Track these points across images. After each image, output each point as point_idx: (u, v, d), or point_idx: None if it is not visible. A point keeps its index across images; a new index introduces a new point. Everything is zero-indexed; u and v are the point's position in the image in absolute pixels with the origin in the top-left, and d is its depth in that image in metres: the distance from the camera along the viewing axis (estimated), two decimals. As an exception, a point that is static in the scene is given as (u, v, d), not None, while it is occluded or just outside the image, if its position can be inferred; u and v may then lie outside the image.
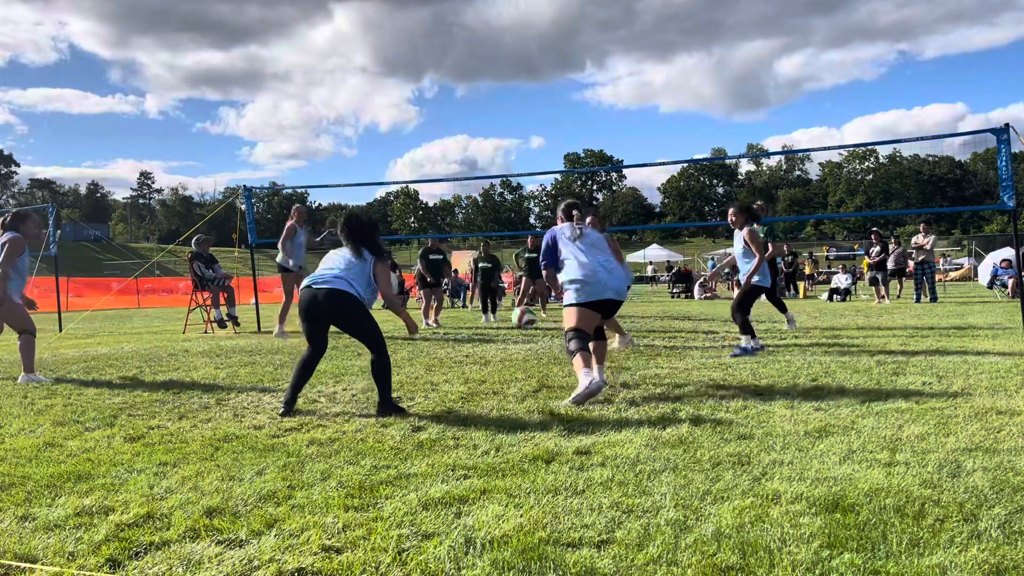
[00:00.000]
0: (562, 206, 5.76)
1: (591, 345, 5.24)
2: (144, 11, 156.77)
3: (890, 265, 16.96)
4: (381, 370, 4.67)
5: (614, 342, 8.17)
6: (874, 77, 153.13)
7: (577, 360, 5.01)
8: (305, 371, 4.79)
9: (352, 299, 4.70)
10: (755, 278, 7.58)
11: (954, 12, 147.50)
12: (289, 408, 4.70)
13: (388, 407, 4.63)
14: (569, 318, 5.30)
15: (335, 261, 4.88)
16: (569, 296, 5.38)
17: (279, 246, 10.79)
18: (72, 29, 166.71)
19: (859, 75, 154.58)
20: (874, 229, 18.79)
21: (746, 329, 7.37)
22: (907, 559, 2.20)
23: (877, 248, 16.84)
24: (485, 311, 14.11)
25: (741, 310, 7.48)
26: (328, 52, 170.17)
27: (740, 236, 7.74)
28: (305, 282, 4.81)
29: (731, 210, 7.91)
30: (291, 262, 10.68)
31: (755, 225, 7.80)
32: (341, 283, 4.70)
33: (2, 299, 6.38)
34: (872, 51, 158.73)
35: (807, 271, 27.93)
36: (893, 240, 17.84)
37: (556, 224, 5.71)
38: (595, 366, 5.17)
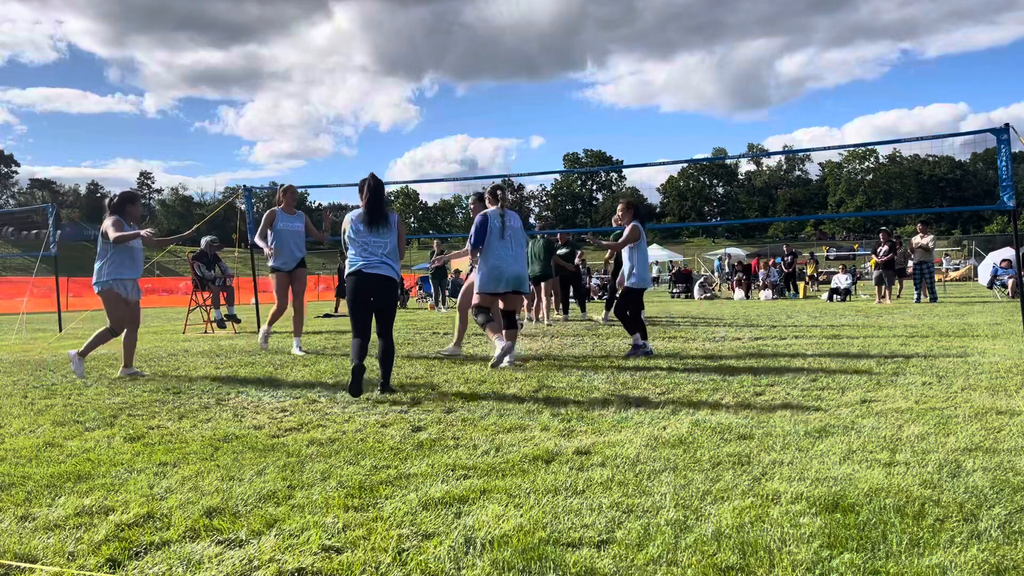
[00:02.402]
0: (489, 188, 6.97)
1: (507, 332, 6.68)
2: (141, 9, 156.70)
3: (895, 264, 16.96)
4: (387, 355, 5.45)
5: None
6: (876, 76, 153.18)
7: (489, 330, 6.60)
8: (363, 352, 5.32)
9: (396, 285, 5.64)
10: (629, 280, 7.39)
11: (957, 11, 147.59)
12: (359, 387, 5.17)
13: (388, 387, 5.35)
14: (476, 298, 6.78)
15: (376, 246, 5.57)
16: (479, 280, 6.71)
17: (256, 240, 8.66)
18: (69, 28, 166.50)
19: (861, 74, 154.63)
20: (883, 228, 18.77)
21: (633, 328, 7.30)
22: (907, 559, 2.20)
23: (885, 248, 16.80)
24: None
25: (621, 312, 7.37)
26: (328, 51, 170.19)
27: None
28: (356, 266, 5.50)
29: (620, 204, 7.75)
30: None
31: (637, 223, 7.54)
32: (388, 269, 5.55)
33: (147, 237, 6.37)
34: (874, 50, 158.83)
35: (809, 271, 27.94)
36: (895, 240, 17.83)
37: (488, 207, 6.87)
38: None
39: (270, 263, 8.36)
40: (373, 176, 5.70)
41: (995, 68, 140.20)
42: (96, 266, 6.46)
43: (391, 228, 5.65)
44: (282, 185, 8.67)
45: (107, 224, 6.36)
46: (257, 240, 8.59)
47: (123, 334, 6.57)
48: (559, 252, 13.41)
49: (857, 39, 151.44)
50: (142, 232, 6.32)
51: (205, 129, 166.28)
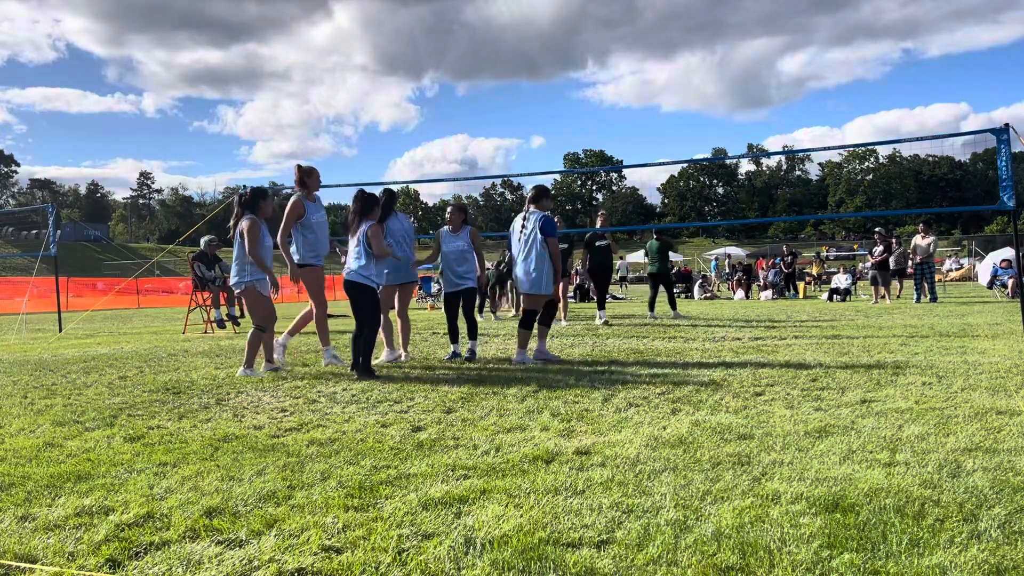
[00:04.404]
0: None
1: (521, 331, 7.19)
2: (139, 8, 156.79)
3: (891, 265, 16.96)
4: (368, 342, 6.30)
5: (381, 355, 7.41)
6: (877, 76, 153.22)
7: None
8: (360, 342, 6.31)
9: (364, 289, 6.37)
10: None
11: (958, 10, 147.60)
12: (368, 372, 6.20)
13: (368, 371, 6.20)
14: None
15: (354, 252, 6.41)
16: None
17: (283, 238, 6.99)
18: (67, 27, 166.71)
19: (862, 74, 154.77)
20: (877, 230, 18.80)
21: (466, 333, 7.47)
22: (907, 559, 2.20)
23: (880, 248, 16.81)
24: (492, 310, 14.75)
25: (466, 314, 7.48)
26: (328, 50, 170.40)
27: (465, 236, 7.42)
28: (346, 274, 6.42)
29: (451, 208, 7.56)
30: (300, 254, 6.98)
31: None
32: (357, 276, 6.34)
33: (295, 276, 6.86)
34: (876, 49, 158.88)
35: (814, 271, 27.91)
36: (894, 240, 17.83)
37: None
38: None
39: (298, 258, 6.91)
40: (359, 199, 6.53)
41: (996, 68, 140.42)
42: (235, 268, 6.55)
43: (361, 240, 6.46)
44: (301, 166, 7.09)
45: (244, 227, 6.44)
46: (281, 240, 6.92)
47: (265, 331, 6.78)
48: (596, 244, 12.64)
49: (858, 39, 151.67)
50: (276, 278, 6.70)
51: (204, 129, 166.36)
